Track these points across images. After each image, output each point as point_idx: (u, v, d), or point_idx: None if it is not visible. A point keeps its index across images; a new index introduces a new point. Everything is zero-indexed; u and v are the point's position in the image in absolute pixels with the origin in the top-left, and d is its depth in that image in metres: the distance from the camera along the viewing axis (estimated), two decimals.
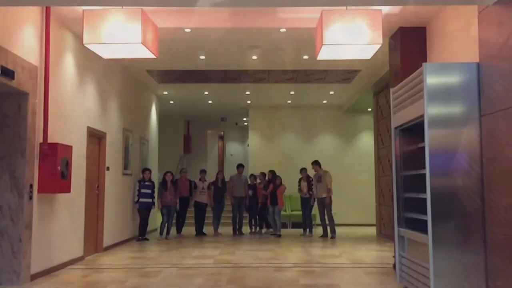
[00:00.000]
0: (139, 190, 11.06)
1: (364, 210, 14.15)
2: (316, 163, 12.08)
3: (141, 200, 11.03)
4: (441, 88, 5.17)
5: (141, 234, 11.01)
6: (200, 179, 12.26)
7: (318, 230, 12.34)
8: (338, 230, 11.84)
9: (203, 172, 12.49)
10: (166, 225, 11.31)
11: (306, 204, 12.25)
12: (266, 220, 12.77)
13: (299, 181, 12.40)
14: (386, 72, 9.18)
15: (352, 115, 15.21)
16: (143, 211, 11.05)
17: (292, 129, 15.44)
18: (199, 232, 12.12)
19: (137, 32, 5.87)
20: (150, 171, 11.40)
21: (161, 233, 11.32)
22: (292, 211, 13.91)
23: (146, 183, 11.16)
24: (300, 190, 12.39)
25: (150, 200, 11.13)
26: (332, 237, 11.50)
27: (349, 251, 9.44)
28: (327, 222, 11.75)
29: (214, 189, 12.25)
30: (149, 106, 13.12)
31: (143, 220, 11.07)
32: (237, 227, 12.47)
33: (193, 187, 12.19)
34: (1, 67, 5.61)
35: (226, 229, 12.64)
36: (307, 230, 12.26)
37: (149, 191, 11.11)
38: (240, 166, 12.84)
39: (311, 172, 12.25)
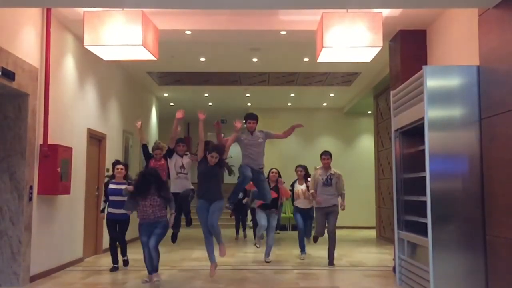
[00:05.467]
0: (106, 195, 7.38)
1: (364, 212, 14.12)
2: (329, 155, 8.22)
3: (110, 210, 7.34)
4: (441, 91, 5.18)
5: (113, 261, 7.40)
6: (177, 153, 7.03)
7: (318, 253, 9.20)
8: (338, 232, 11.58)
9: (180, 143, 7.13)
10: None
11: (305, 216, 8.63)
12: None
13: (293, 185, 8.97)
14: (386, 74, 9.18)
15: (352, 117, 15.21)
16: (113, 227, 7.39)
17: None
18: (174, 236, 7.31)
19: (138, 33, 5.87)
20: (125, 166, 7.61)
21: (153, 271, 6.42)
22: (292, 213, 13.88)
23: (118, 186, 7.25)
24: (294, 195, 8.79)
25: (124, 211, 6.84)
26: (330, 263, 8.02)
27: (349, 253, 9.42)
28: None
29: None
30: (149, 108, 13.13)
31: (114, 241, 7.44)
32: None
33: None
34: (2, 69, 5.61)
35: (227, 232, 12.62)
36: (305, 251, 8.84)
37: (122, 198, 6.79)
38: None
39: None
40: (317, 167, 8.33)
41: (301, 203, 8.64)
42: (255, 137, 7.22)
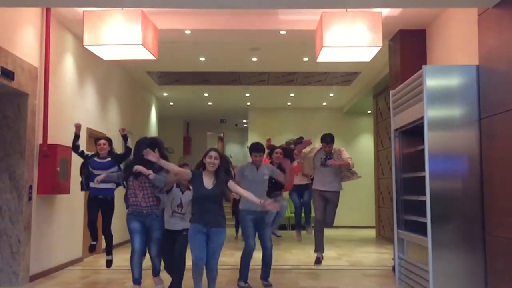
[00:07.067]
0: (85, 175, 6.52)
1: (363, 212, 14.14)
2: (331, 141, 7.35)
3: (92, 185, 6.38)
4: (440, 90, 5.18)
5: (92, 237, 6.67)
6: (177, 186, 5.60)
7: None
8: (337, 232, 11.64)
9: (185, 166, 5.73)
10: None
11: (302, 193, 8.22)
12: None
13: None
14: (386, 74, 9.18)
15: (351, 117, 15.22)
16: (95, 207, 6.50)
17: (291, 131, 15.34)
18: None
19: (137, 33, 5.87)
20: (109, 141, 6.69)
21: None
22: (291, 212, 13.88)
23: (103, 160, 6.51)
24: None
25: (110, 186, 6.38)
26: (318, 261, 7.49)
27: (349, 253, 9.43)
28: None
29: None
30: (149, 108, 13.12)
31: (93, 223, 6.53)
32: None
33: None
34: (1, 68, 5.60)
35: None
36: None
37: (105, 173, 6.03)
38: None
39: None
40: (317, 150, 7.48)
41: (299, 180, 8.03)
42: (260, 173, 6.02)
